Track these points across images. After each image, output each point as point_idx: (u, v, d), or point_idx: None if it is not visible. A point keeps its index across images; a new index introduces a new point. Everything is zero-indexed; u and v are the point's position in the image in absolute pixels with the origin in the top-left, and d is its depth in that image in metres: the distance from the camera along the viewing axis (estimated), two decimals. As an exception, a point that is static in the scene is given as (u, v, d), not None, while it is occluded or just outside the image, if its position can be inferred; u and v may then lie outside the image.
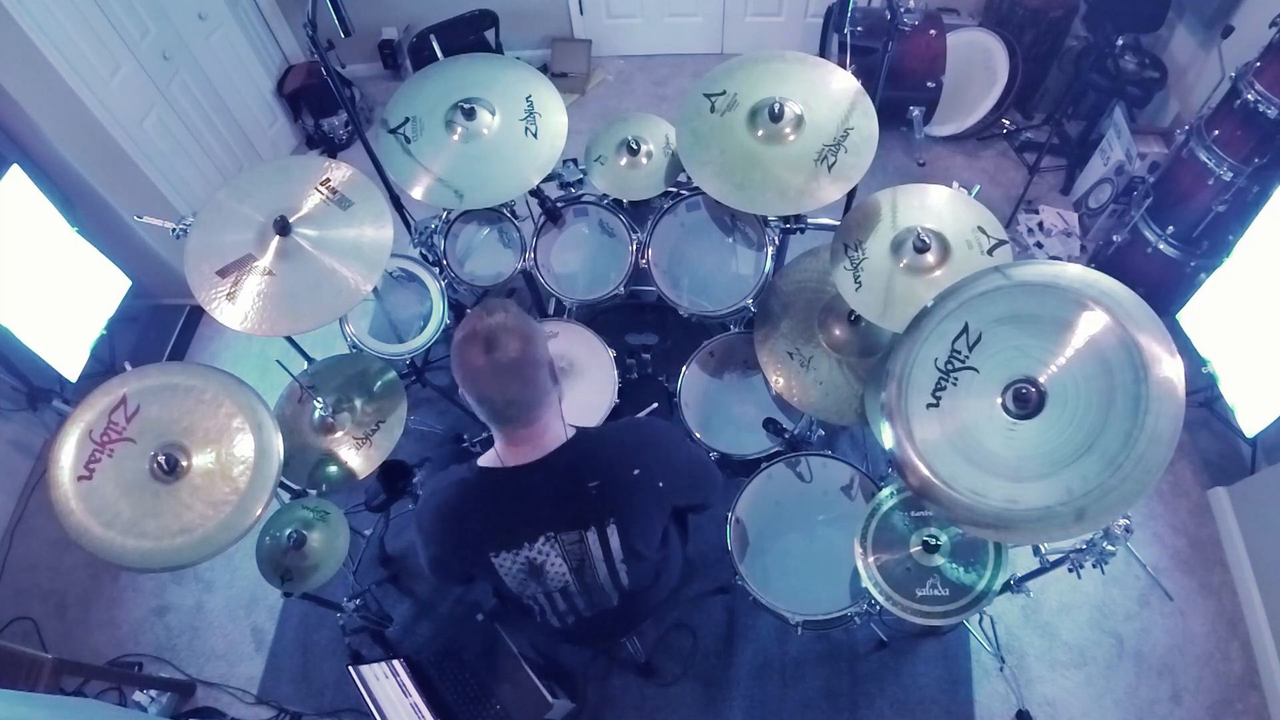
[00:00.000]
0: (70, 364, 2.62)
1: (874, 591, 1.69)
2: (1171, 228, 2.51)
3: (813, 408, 1.98)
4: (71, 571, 2.64)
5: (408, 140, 2.02)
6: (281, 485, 1.88)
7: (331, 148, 3.70)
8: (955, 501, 1.28)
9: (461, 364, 1.15)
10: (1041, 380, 1.26)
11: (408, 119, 2.04)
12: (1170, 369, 1.17)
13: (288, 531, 1.88)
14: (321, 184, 1.85)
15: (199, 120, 3.12)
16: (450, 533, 1.29)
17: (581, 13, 3.78)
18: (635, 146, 2.19)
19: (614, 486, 1.26)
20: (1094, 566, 1.51)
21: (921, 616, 1.67)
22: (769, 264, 2.13)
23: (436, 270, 2.30)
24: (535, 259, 2.24)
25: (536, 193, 2.16)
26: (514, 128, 2.03)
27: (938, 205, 1.82)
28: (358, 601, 2.14)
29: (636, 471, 1.27)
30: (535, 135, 2.01)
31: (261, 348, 3.00)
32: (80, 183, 2.62)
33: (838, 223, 1.94)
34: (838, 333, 2.00)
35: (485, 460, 1.27)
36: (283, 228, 1.76)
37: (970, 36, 3.21)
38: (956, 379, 1.34)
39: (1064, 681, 2.22)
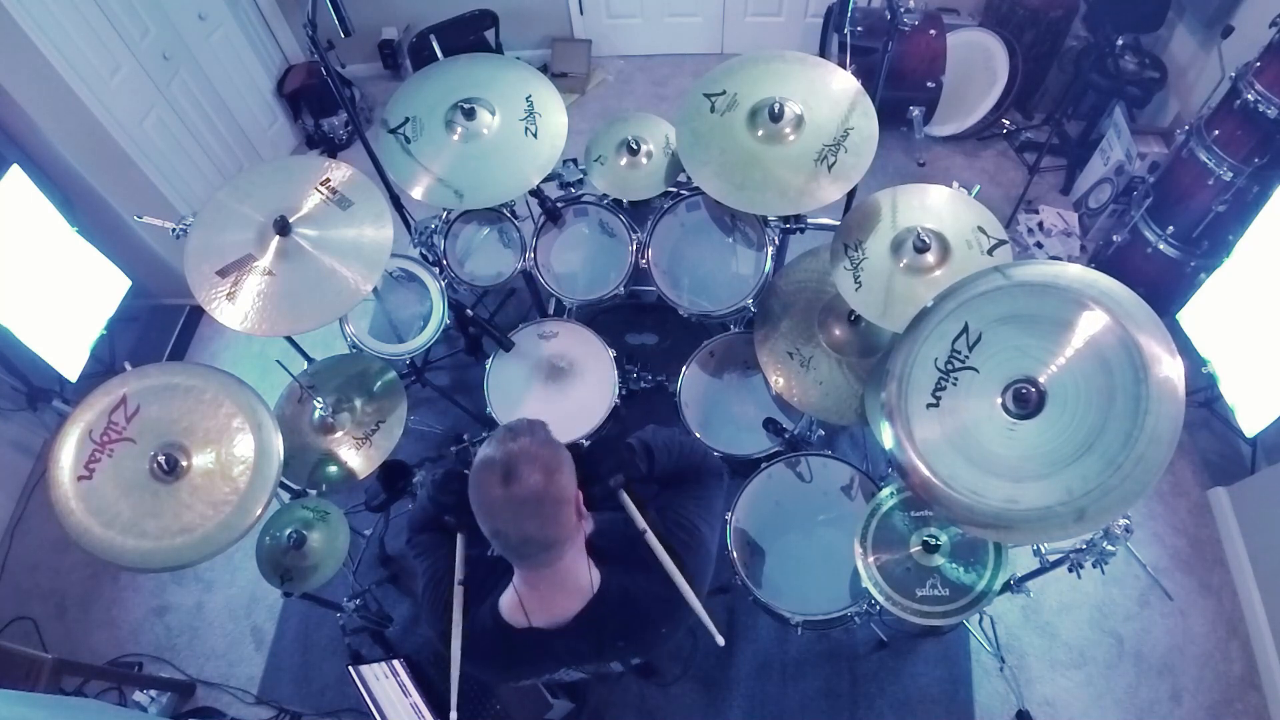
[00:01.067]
0: (70, 364, 2.62)
1: (874, 591, 1.69)
2: (1171, 228, 2.51)
3: (813, 408, 1.98)
4: (71, 571, 2.64)
5: (408, 140, 2.02)
6: (281, 485, 1.88)
7: (331, 148, 3.70)
8: (955, 501, 1.28)
9: (476, 492, 1.05)
10: (1041, 380, 1.26)
11: (408, 119, 2.04)
12: (1170, 369, 1.16)
13: (288, 531, 1.88)
14: (321, 184, 1.85)
15: (199, 120, 3.12)
16: (470, 664, 1.22)
17: (581, 13, 3.78)
18: (635, 146, 2.19)
19: (641, 640, 1.21)
20: (1094, 566, 1.52)
21: (921, 616, 1.67)
22: (769, 264, 2.13)
23: (436, 270, 2.30)
24: (535, 259, 2.24)
25: (536, 193, 2.16)
26: (514, 128, 2.02)
27: (938, 205, 1.82)
28: (358, 601, 2.14)
29: (665, 630, 1.20)
30: (535, 135, 2.01)
31: (261, 348, 3.00)
32: (80, 183, 2.62)
33: (838, 223, 1.94)
34: (838, 333, 2.00)
35: (506, 607, 1.16)
36: (283, 228, 1.76)
37: (970, 36, 3.21)
38: (956, 379, 1.34)
39: (1064, 681, 2.22)
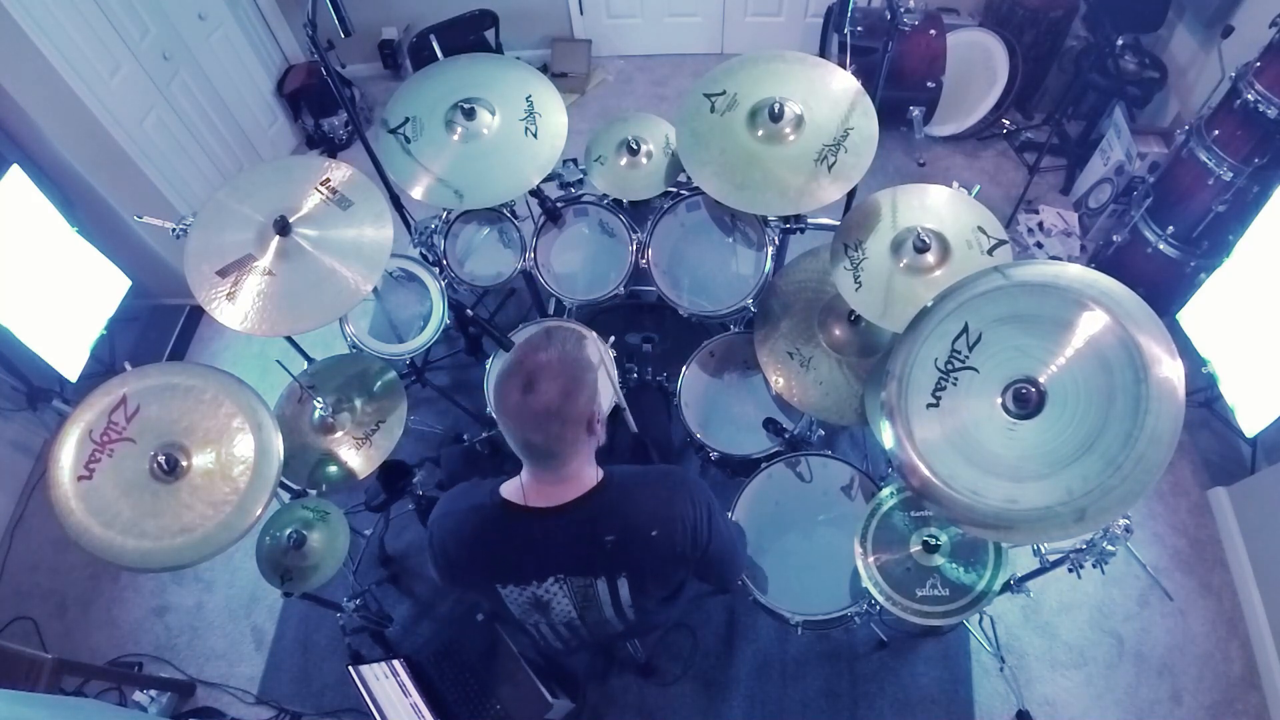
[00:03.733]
0: (70, 364, 2.62)
1: (874, 591, 1.69)
2: (1171, 228, 2.51)
3: (813, 408, 1.98)
4: (71, 571, 2.64)
5: (408, 140, 2.02)
6: (281, 485, 1.88)
7: (331, 148, 3.71)
8: (955, 501, 1.28)
9: (497, 393, 1.12)
10: (1041, 380, 1.26)
11: (408, 119, 2.04)
12: (1170, 369, 1.16)
13: (288, 531, 1.88)
14: (321, 184, 1.85)
15: (199, 120, 3.12)
16: (460, 557, 1.28)
17: (581, 13, 3.78)
18: (635, 146, 2.19)
19: (629, 543, 1.23)
20: (1094, 566, 1.51)
21: (921, 616, 1.67)
22: (769, 264, 2.13)
23: (436, 270, 2.30)
24: (535, 259, 2.24)
25: (536, 193, 2.16)
26: (514, 128, 2.02)
27: (938, 205, 1.82)
28: (358, 601, 2.14)
29: (654, 533, 1.23)
30: (535, 135, 2.01)
31: (261, 348, 3.00)
32: (80, 183, 2.62)
33: (838, 223, 1.94)
34: (838, 333, 2.00)
35: (507, 489, 1.22)
36: (283, 228, 1.76)
37: (970, 36, 3.21)
38: (956, 379, 1.34)
39: (1064, 681, 2.22)
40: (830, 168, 1.80)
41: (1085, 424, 1.21)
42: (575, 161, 2.29)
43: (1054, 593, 2.32)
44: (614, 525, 1.21)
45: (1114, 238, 2.76)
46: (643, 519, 1.23)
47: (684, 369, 2.18)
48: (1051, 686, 2.21)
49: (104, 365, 2.85)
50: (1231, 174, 2.27)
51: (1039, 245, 3.08)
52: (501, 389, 1.11)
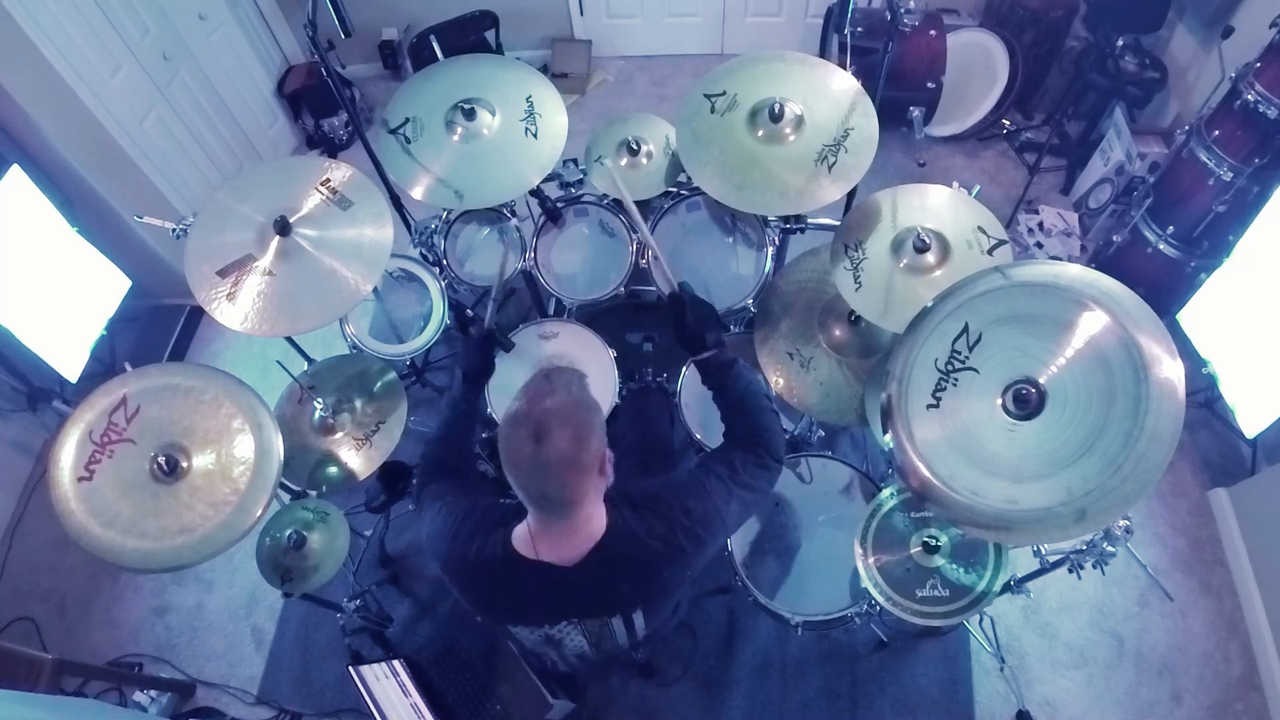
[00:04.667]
0: (70, 364, 2.62)
1: (874, 592, 1.69)
2: (1171, 228, 2.51)
3: (813, 408, 1.98)
4: (71, 571, 2.64)
5: (408, 140, 2.02)
6: (281, 486, 1.88)
7: (331, 148, 3.71)
8: (955, 502, 1.28)
9: (505, 446, 1.06)
10: (1041, 381, 1.26)
11: (408, 119, 2.04)
12: (1170, 369, 1.16)
13: (288, 532, 1.88)
14: (321, 184, 1.85)
15: (199, 120, 3.12)
16: (475, 599, 1.27)
17: (582, 13, 3.78)
18: (635, 147, 2.19)
19: (645, 587, 1.22)
20: (1094, 567, 1.51)
21: (921, 617, 1.67)
22: (769, 264, 2.13)
23: (436, 270, 2.30)
24: (535, 259, 2.24)
25: (536, 193, 2.16)
26: (514, 128, 2.02)
27: (938, 205, 1.82)
28: (358, 602, 2.14)
29: (668, 574, 1.21)
30: (535, 135, 2.00)
31: (261, 348, 3.00)
32: (80, 183, 2.62)
33: (838, 223, 1.94)
34: (838, 333, 2.00)
35: (518, 539, 1.17)
36: (283, 228, 1.76)
37: (970, 37, 3.21)
38: (956, 379, 1.34)
39: (1064, 682, 2.22)
40: (830, 168, 1.80)
41: (1085, 424, 1.20)
42: (575, 162, 2.29)
43: (1054, 593, 2.32)
44: (627, 574, 1.18)
45: (1114, 238, 2.76)
46: (654, 559, 1.19)
47: (684, 369, 2.18)
48: (1051, 687, 2.21)
49: (104, 366, 2.85)
50: (1231, 174, 2.27)
51: (1039, 245, 3.08)
52: (510, 443, 1.05)
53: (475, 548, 1.20)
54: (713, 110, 1.92)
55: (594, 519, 1.15)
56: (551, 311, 2.50)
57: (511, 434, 1.05)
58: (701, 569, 1.33)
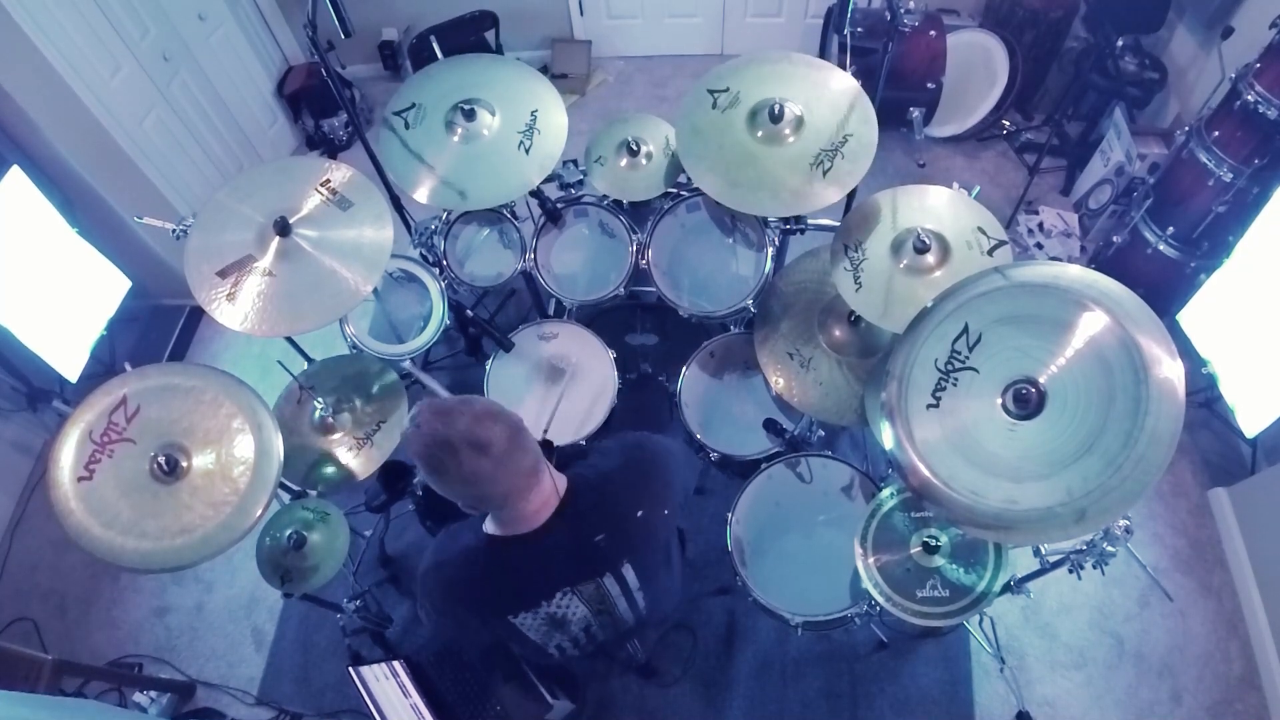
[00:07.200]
0: (70, 364, 2.62)
1: (874, 592, 1.69)
2: (1171, 228, 2.51)
3: (813, 408, 1.98)
4: (71, 572, 2.64)
5: (407, 127, 2.01)
6: (282, 486, 1.88)
7: (331, 148, 3.71)
8: (955, 502, 1.28)
9: (458, 477, 1.08)
10: (1041, 381, 1.26)
11: (413, 104, 2.03)
12: (1170, 369, 1.16)
13: (288, 532, 1.88)
14: (321, 185, 1.85)
15: (199, 120, 3.12)
16: (465, 604, 1.29)
17: (582, 14, 3.79)
18: (635, 147, 2.19)
19: (621, 534, 1.25)
20: (1094, 567, 1.51)
21: (921, 618, 1.66)
22: (769, 265, 2.13)
23: (436, 271, 2.30)
24: (535, 259, 2.24)
25: (537, 193, 2.16)
26: (514, 130, 2.02)
27: (938, 206, 1.82)
28: (358, 602, 2.14)
29: (640, 513, 1.25)
30: (528, 152, 2.00)
31: (261, 348, 3.00)
32: (80, 183, 2.62)
33: (838, 223, 1.94)
34: (838, 333, 2.00)
35: (490, 526, 1.24)
36: (283, 228, 1.76)
37: (970, 37, 3.21)
38: (956, 379, 1.34)
39: (1064, 682, 2.22)
40: (825, 173, 1.80)
41: (1085, 424, 1.20)
42: (575, 162, 2.29)
43: (1054, 593, 2.32)
44: (600, 524, 1.23)
45: (1114, 238, 2.76)
46: (624, 507, 1.25)
47: (684, 369, 2.18)
48: (1051, 687, 2.21)
49: (104, 366, 2.85)
50: (1231, 175, 2.27)
51: (1039, 246, 3.08)
52: (460, 470, 1.07)
53: (452, 548, 1.28)
54: (714, 106, 1.92)
55: (546, 485, 1.20)
56: (551, 312, 2.51)
57: (452, 463, 1.07)
58: (680, 512, 1.39)
